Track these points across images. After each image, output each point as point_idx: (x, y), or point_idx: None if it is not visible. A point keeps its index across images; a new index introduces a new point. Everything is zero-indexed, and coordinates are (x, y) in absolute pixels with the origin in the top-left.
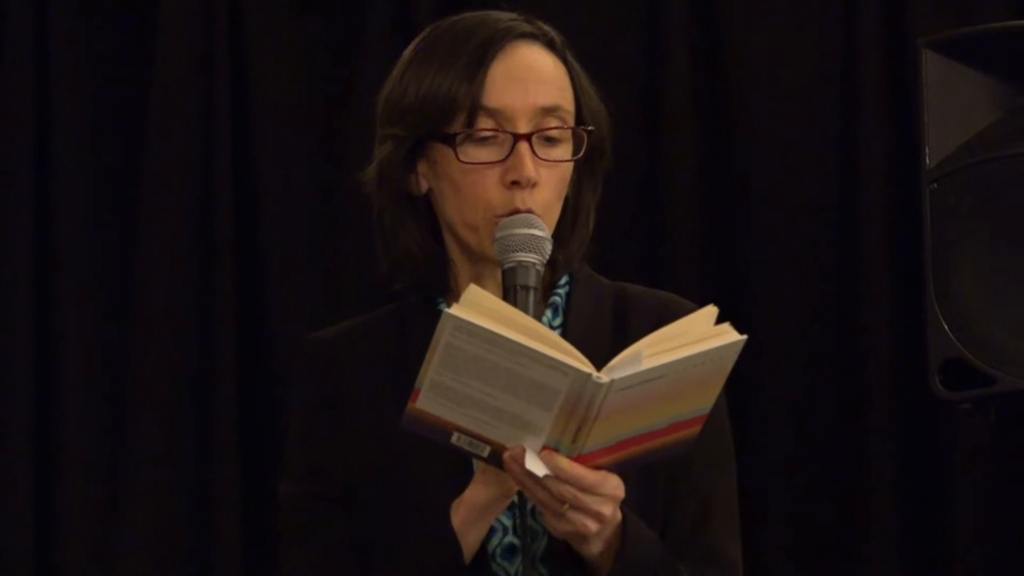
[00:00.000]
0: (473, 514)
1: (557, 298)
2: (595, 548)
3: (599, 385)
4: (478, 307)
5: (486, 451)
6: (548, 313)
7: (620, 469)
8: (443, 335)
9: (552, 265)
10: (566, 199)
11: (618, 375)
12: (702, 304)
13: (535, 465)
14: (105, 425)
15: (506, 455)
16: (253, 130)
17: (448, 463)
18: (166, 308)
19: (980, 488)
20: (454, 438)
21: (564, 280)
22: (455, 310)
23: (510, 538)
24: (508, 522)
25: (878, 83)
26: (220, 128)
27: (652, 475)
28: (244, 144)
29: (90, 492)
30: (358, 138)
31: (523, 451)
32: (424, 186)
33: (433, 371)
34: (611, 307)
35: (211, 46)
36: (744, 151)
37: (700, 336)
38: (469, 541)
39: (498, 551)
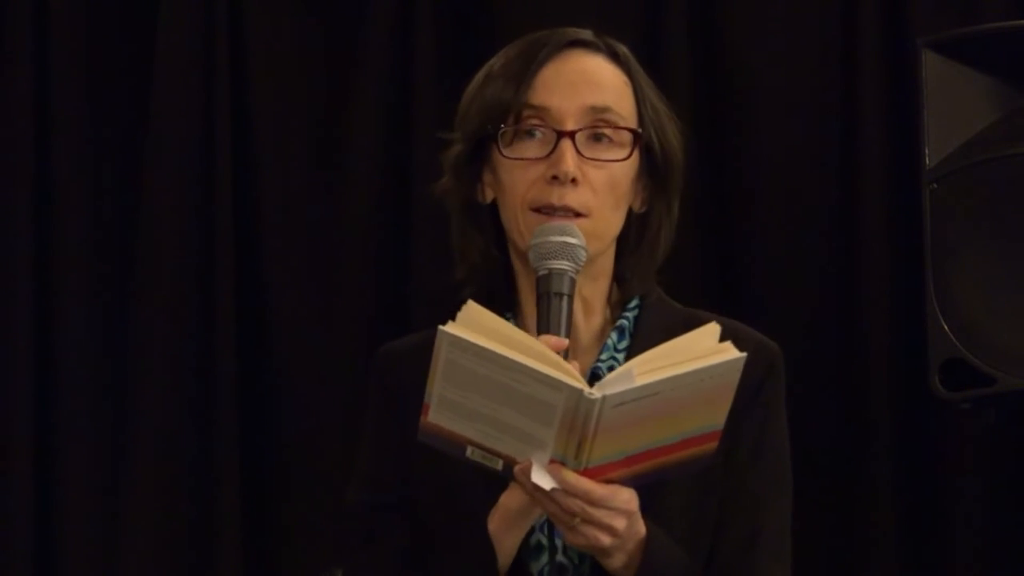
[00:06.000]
0: (508, 519)
1: (625, 321)
2: (617, 562)
3: (592, 401)
4: (475, 324)
5: (500, 464)
6: (614, 335)
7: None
8: (441, 351)
9: (621, 283)
10: (631, 213)
11: (610, 391)
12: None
13: (542, 478)
14: (105, 427)
15: (516, 469)
16: (253, 130)
17: (490, 475)
18: (166, 309)
19: (980, 488)
20: (468, 452)
21: (634, 303)
22: (450, 327)
23: (560, 557)
24: (559, 543)
25: (878, 83)
26: (220, 128)
27: (708, 492)
28: (244, 144)
29: (90, 494)
30: (358, 138)
31: (531, 464)
32: (489, 195)
33: (438, 386)
34: (681, 333)
35: (211, 46)
36: (744, 151)
37: (699, 353)
38: (505, 546)
39: (546, 569)
